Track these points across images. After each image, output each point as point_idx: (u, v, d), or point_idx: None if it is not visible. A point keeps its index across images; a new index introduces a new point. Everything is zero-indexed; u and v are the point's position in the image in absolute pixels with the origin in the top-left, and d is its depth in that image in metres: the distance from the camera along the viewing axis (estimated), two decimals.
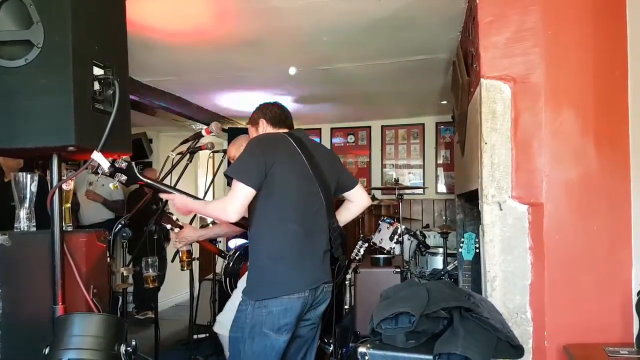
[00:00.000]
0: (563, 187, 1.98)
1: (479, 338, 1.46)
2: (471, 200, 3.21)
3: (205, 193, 3.57)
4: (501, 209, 2.03)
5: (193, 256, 3.36)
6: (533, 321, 2.01)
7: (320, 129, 6.20)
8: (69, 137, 1.58)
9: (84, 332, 1.52)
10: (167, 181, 2.44)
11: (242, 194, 1.84)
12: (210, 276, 4.41)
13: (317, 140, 6.21)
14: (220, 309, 4.12)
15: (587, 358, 1.72)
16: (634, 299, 1.86)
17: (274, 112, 2.15)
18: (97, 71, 1.69)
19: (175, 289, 5.73)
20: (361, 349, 1.56)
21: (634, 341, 1.77)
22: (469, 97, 2.50)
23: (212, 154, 3.65)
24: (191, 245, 3.23)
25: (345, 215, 2.27)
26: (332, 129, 6.18)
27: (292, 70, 3.54)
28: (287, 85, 3.87)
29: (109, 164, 1.84)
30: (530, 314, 2.02)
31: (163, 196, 2.10)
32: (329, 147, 6.21)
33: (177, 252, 3.24)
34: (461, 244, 2.89)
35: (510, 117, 2.02)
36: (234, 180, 1.85)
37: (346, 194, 2.24)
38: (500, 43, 2.02)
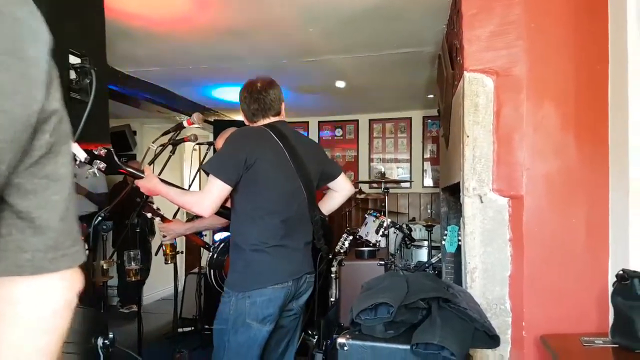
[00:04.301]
0: (543, 181, 2.00)
1: (456, 328, 1.47)
2: (455, 193, 3.23)
3: (190, 185, 3.55)
4: (482, 202, 2.04)
5: (177, 250, 3.35)
6: (512, 312, 2.04)
7: (307, 122, 6.19)
8: None
9: None
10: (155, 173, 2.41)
11: (217, 190, 1.84)
12: (196, 270, 4.40)
13: (305, 134, 6.20)
14: (206, 303, 4.11)
15: (563, 348, 1.75)
16: (610, 290, 1.89)
17: (245, 107, 2.11)
18: (73, 60, 1.66)
19: (161, 282, 5.70)
20: (340, 340, 1.57)
21: (609, 331, 1.80)
22: (453, 90, 2.51)
23: (196, 146, 3.63)
24: (175, 238, 3.22)
25: (329, 204, 2.28)
26: (319, 122, 6.18)
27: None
28: (274, 78, 3.83)
29: (85, 155, 1.81)
30: (509, 305, 2.04)
31: (136, 182, 2.07)
32: (316, 140, 6.20)
33: (160, 245, 3.22)
34: (444, 237, 2.92)
35: (493, 111, 2.03)
36: (211, 175, 1.86)
37: (330, 184, 2.25)
38: (483, 36, 2.03)
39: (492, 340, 1.53)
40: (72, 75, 1.66)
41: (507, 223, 2.03)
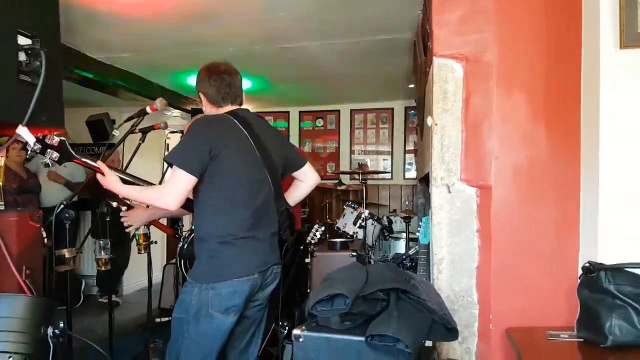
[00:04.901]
0: (512, 171, 1.96)
1: (412, 320, 1.43)
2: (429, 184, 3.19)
3: (163, 175, 3.46)
4: (450, 192, 2.00)
5: (151, 239, 3.27)
6: (479, 304, 2.00)
7: (288, 112, 6.11)
8: None
9: (9, 314, 1.48)
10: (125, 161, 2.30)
11: (181, 182, 1.77)
12: (174, 260, 4.34)
13: (285, 124, 6.13)
14: None
15: (527, 342, 1.71)
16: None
17: (213, 90, 1.99)
18: (23, 41, 1.58)
19: (142, 272, 5.62)
20: (295, 331, 1.52)
21: (575, 324, 1.76)
22: (426, 78, 2.46)
23: (170, 134, 3.54)
24: (149, 228, 3.14)
25: (295, 194, 2.22)
26: (300, 112, 6.10)
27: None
28: (249, 64, 3.76)
29: (34, 139, 1.73)
30: (477, 297, 2.01)
31: (98, 177, 1.97)
32: (297, 131, 6.15)
33: (134, 235, 3.14)
34: (419, 228, 2.87)
35: (462, 98, 1.98)
36: (174, 167, 1.78)
37: (295, 173, 2.19)
38: (453, 20, 1.97)
39: (450, 333, 1.48)
40: (22, 57, 1.59)
41: (474, 213, 1.99)
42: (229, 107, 2.01)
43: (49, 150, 1.86)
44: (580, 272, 1.75)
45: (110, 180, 1.91)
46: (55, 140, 1.86)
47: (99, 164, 1.94)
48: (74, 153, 1.92)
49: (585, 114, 1.86)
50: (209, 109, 2.05)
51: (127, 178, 2.01)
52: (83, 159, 1.96)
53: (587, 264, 1.66)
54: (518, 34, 1.94)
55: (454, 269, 2.01)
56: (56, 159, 1.89)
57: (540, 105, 1.93)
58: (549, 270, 1.95)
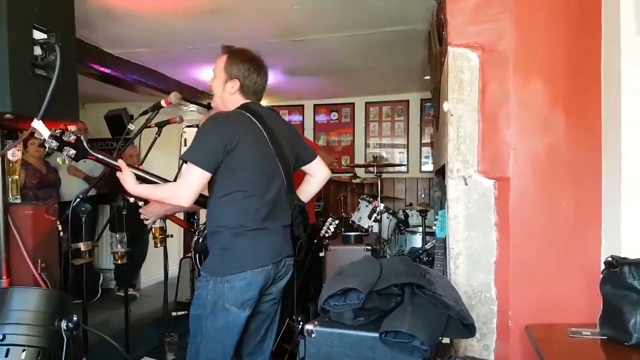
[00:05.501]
0: (531, 161, 1.90)
1: (428, 316, 1.39)
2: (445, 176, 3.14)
3: (179, 170, 3.48)
4: (466, 184, 1.95)
5: (167, 233, 3.29)
6: (497, 300, 1.96)
7: (303, 105, 6.08)
8: (5, 103, 1.49)
9: (23, 307, 1.50)
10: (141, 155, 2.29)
11: (196, 178, 1.77)
12: (190, 254, 4.36)
13: (300, 118, 6.11)
14: None
15: (547, 339, 1.66)
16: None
17: (261, 84, 1.97)
18: (38, 35, 1.59)
19: (159, 266, 5.69)
20: (308, 326, 1.50)
21: (598, 321, 1.70)
22: (441, 68, 2.40)
23: (186, 128, 3.55)
24: (164, 221, 3.16)
25: (306, 190, 2.20)
26: (315, 105, 6.06)
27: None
28: (263, 58, 3.72)
29: (48, 132, 1.74)
30: (495, 293, 1.96)
31: (118, 174, 1.98)
32: (311, 124, 6.11)
33: (150, 229, 3.16)
34: (435, 222, 2.82)
35: (478, 87, 1.93)
36: (189, 163, 1.78)
37: (306, 168, 2.17)
38: (468, 8, 1.92)
39: (467, 329, 1.44)
40: (38, 51, 1.60)
41: (492, 206, 1.94)
42: (245, 101, 1.99)
43: (65, 147, 1.88)
44: (602, 266, 1.69)
45: (125, 178, 1.92)
46: (72, 137, 1.88)
47: (119, 162, 1.95)
48: (89, 150, 1.94)
49: (607, 100, 1.79)
50: (227, 99, 1.99)
51: (144, 175, 2.01)
52: (99, 156, 1.97)
53: (610, 259, 1.60)
54: (536, 21, 1.88)
55: (471, 263, 1.96)
56: (73, 156, 1.91)
57: (560, 93, 1.87)
58: (569, 265, 1.89)
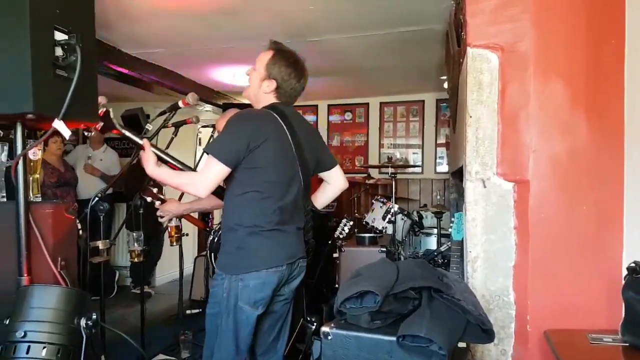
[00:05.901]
0: (551, 164, 1.87)
1: (446, 320, 1.37)
2: (462, 178, 3.11)
3: (195, 168, 3.50)
4: (485, 187, 1.92)
5: (182, 232, 3.32)
6: (516, 304, 1.93)
7: (317, 105, 6.07)
8: (27, 104, 1.51)
9: (43, 305, 1.52)
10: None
11: (214, 172, 1.79)
12: (205, 253, 4.39)
13: (314, 118, 6.10)
14: None
15: (567, 345, 1.63)
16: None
17: (299, 89, 2.00)
18: (59, 36, 1.61)
19: (174, 264, 5.74)
20: (324, 328, 1.49)
21: (620, 328, 1.67)
22: (459, 68, 2.37)
23: (202, 128, 3.56)
24: (180, 220, 3.18)
25: (322, 198, 2.22)
26: (329, 105, 6.04)
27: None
28: None
29: (69, 133, 1.76)
30: (513, 297, 1.93)
31: (141, 154, 1.99)
32: (325, 125, 6.10)
33: (165, 227, 3.19)
34: (451, 224, 2.80)
35: (498, 89, 1.90)
36: (210, 157, 1.80)
37: (324, 174, 2.18)
38: (487, 9, 1.89)
39: (485, 334, 1.42)
40: (59, 52, 1.62)
41: (511, 209, 1.91)
42: (276, 102, 1.99)
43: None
44: (624, 272, 1.66)
45: (147, 157, 1.93)
46: (101, 110, 1.89)
47: (144, 141, 1.97)
48: (116, 123, 1.95)
49: (630, 101, 1.75)
50: (261, 96, 1.99)
51: (166, 158, 2.02)
52: (124, 131, 1.98)
53: (633, 264, 1.57)
54: (557, 20, 1.85)
55: (489, 267, 1.94)
56: (99, 128, 1.93)
57: (581, 94, 1.84)
58: (590, 270, 1.85)
